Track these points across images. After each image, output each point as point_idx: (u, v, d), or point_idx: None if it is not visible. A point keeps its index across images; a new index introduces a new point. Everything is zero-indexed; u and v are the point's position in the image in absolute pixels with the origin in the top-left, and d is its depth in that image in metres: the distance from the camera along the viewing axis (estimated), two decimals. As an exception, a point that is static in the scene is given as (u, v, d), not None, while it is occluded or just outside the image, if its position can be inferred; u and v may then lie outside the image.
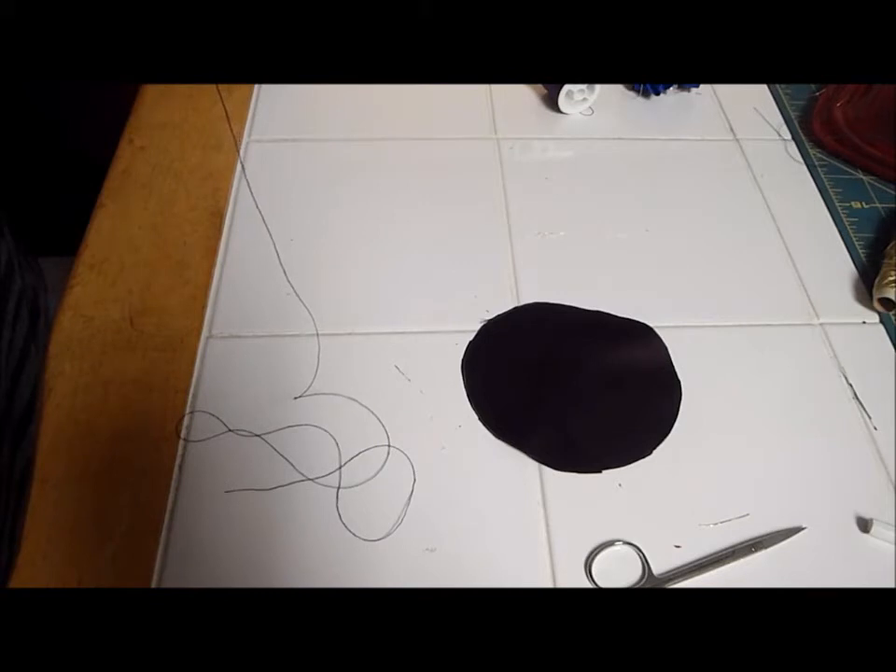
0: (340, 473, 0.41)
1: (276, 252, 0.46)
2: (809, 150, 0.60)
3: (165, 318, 0.47)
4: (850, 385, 0.46)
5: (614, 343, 0.47)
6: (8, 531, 0.38)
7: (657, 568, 0.38)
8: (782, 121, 0.63)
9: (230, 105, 0.60)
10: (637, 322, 0.48)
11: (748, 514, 0.40)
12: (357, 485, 0.41)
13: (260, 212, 0.46)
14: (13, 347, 0.45)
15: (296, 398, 0.43)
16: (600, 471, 0.42)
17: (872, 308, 0.50)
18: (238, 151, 0.55)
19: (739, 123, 0.62)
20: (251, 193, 0.52)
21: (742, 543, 0.39)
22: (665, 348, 0.47)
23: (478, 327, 0.47)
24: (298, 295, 0.46)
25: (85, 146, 0.70)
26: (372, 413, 0.43)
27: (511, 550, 0.39)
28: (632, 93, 0.64)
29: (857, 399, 0.45)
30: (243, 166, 0.54)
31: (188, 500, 0.40)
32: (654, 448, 0.43)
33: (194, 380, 0.44)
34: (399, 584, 0.37)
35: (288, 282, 0.46)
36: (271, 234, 0.46)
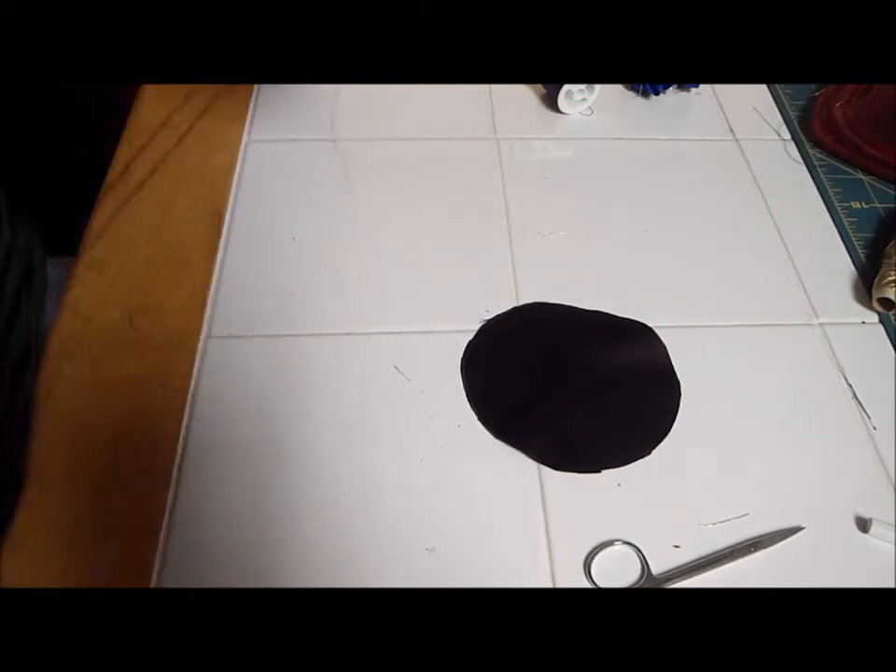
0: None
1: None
2: (809, 150, 0.60)
3: (165, 318, 0.47)
4: (850, 385, 0.46)
5: (614, 343, 0.47)
6: (13, 468, 0.38)
7: (656, 568, 0.38)
8: (782, 121, 0.63)
9: (230, 106, 0.60)
10: (637, 322, 0.48)
11: (747, 514, 0.40)
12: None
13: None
14: (4, 297, 0.44)
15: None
16: (600, 471, 0.42)
17: (871, 308, 0.50)
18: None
19: (739, 123, 0.62)
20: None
21: (741, 543, 0.39)
22: (665, 348, 0.47)
23: (478, 327, 0.47)
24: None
25: (85, 146, 0.70)
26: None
27: (510, 550, 0.39)
28: (632, 93, 0.64)
29: (856, 399, 0.45)
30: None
31: (188, 500, 0.40)
32: (654, 448, 0.43)
33: (194, 380, 0.44)
34: (399, 584, 0.37)
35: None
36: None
